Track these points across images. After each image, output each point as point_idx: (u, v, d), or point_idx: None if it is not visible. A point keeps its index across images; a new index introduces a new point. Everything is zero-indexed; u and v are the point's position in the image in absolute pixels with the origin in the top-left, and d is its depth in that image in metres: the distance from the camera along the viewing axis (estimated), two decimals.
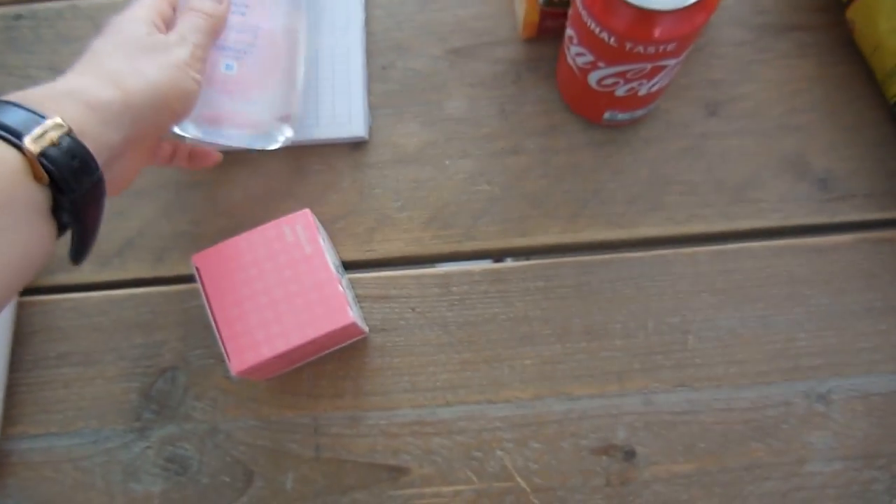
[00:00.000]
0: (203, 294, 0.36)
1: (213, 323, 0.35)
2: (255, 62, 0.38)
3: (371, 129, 0.45)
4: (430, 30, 0.48)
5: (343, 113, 0.44)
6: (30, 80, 0.48)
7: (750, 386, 0.39)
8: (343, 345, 0.40)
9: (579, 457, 0.38)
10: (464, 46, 0.47)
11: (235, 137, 0.40)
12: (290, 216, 0.37)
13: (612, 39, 0.35)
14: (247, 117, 0.39)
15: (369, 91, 0.46)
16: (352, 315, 0.35)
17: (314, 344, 0.36)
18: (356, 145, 0.45)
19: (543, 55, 0.46)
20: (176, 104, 0.34)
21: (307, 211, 0.37)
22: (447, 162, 0.44)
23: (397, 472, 0.38)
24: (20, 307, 0.43)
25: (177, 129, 0.39)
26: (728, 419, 0.38)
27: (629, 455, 0.38)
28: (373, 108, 0.46)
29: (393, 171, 0.44)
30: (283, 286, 0.35)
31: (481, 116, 0.45)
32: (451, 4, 0.48)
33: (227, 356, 0.34)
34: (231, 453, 0.39)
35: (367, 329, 0.40)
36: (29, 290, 0.43)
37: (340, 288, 0.36)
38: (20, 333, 0.42)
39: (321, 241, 0.37)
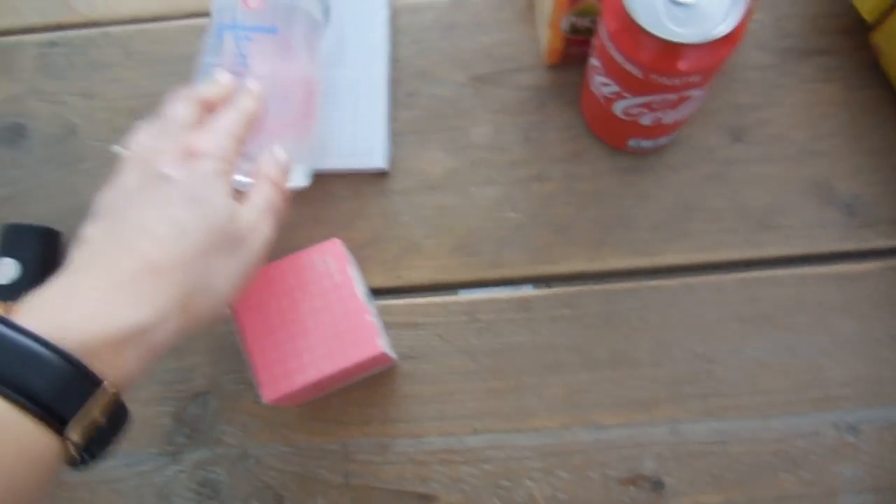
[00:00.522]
0: (235, 322, 0.36)
1: (245, 351, 0.36)
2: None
3: (397, 157, 0.46)
4: (454, 56, 0.48)
5: (364, 144, 0.45)
6: (63, 106, 0.49)
7: (778, 416, 0.39)
8: (372, 372, 0.41)
9: (607, 487, 0.38)
10: (488, 73, 0.47)
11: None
12: (321, 245, 0.38)
13: (638, 71, 0.36)
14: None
15: (394, 118, 0.47)
16: (381, 345, 0.36)
17: (344, 373, 0.36)
18: (383, 172, 0.46)
19: (567, 81, 0.47)
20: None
21: (337, 241, 0.38)
22: (472, 189, 0.45)
23: (425, 499, 0.39)
24: None
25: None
26: (756, 449, 0.38)
27: (657, 486, 0.38)
28: (398, 134, 0.46)
29: (419, 198, 0.45)
30: (314, 315, 0.36)
31: (506, 143, 0.46)
32: (475, 31, 0.48)
33: (260, 384, 0.35)
34: (261, 478, 0.40)
35: (395, 357, 0.41)
36: None
37: (369, 318, 0.36)
38: None
39: (350, 270, 0.37)
